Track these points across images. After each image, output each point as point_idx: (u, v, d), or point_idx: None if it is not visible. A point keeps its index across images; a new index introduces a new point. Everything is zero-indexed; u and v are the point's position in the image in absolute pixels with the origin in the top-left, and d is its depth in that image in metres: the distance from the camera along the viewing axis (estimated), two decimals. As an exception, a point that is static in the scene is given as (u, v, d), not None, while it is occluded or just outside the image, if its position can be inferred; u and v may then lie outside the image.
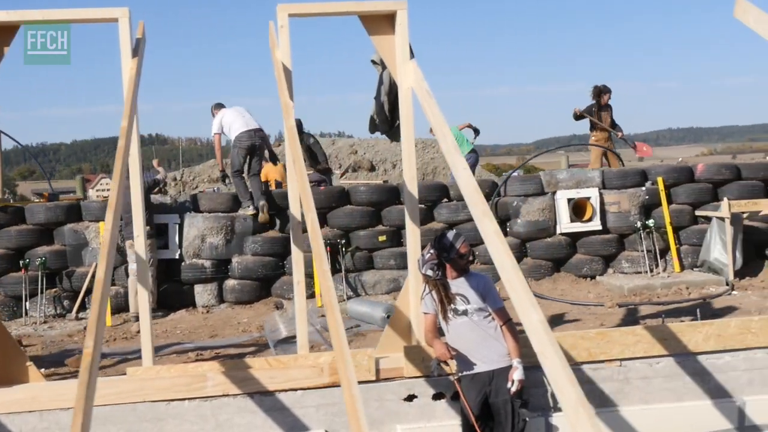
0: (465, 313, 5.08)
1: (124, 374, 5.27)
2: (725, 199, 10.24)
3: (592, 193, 10.47)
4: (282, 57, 5.24)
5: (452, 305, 5.11)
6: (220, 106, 10.65)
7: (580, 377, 5.55)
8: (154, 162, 10.67)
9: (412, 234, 5.61)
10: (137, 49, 5.26)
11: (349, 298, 9.86)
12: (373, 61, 5.86)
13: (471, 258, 5.26)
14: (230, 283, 9.80)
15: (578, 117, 13.02)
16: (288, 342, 7.76)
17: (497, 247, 3.79)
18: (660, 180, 10.64)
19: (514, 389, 4.91)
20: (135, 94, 4.77)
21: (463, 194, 4.43)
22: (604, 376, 5.62)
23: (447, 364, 5.16)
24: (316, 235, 3.88)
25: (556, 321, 8.53)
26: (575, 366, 5.60)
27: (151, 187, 9.71)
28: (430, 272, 5.11)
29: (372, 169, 17.76)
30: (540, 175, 10.75)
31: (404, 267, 9.93)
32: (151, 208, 9.55)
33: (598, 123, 12.90)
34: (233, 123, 10.21)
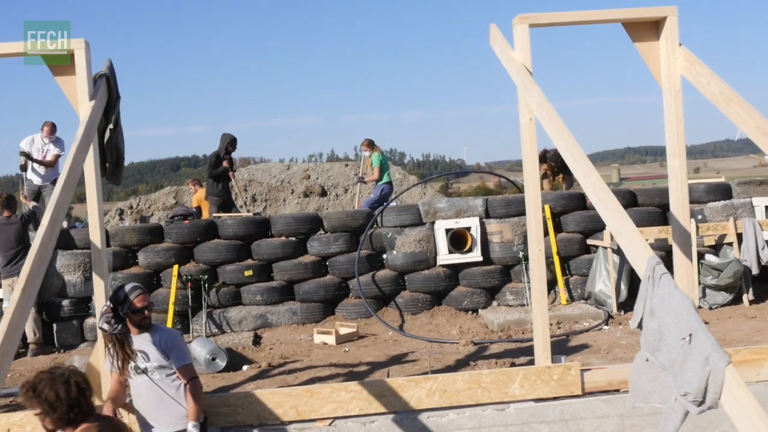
0: (145, 371, 4.76)
1: None
2: (606, 228, 9.68)
3: (473, 223, 10.01)
4: None
5: (133, 362, 4.79)
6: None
7: (285, 438, 5.19)
8: (21, 197, 10.61)
9: (98, 283, 5.32)
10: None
11: (213, 335, 9.60)
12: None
13: (149, 313, 4.91)
14: (90, 321, 9.63)
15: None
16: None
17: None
18: (547, 208, 10.12)
19: (185, 454, 4.58)
20: None
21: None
22: (311, 437, 5.23)
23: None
24: None
25: (395, 360, 8.12)
26: (281, 426, 5.23)
27: (27, 220, 9.64)
28: (105, 326, 4.80)
29: (323, 194, 17.51)
30: (418, 205, 10.33)
31: (272, 302, 9.73)
32: (28, 243, 9.48)
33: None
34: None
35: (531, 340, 8.55)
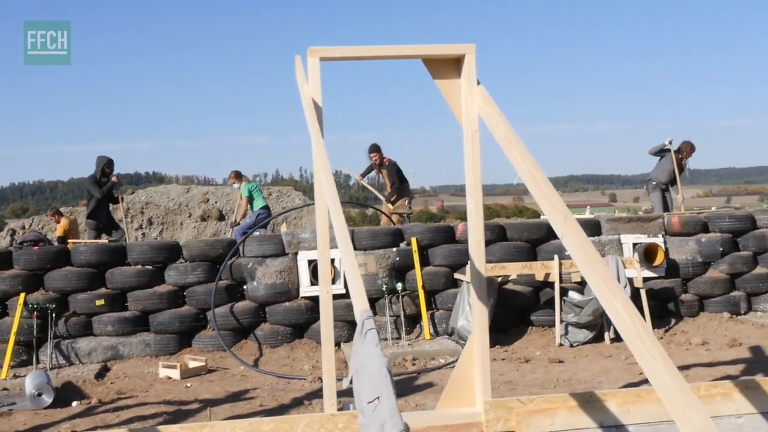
0: None
1: None
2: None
3: (337, 254, 9.75)
4: None
5: None
6: None
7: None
8: None
9: None
10: None
11: (60, 367, 9.17)
12: None
13: None
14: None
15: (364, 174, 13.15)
16: None
17: None
18: (414, 240, 9.97)
19: None
20: None
21: None
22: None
23: None
24: None
25: (233, 397, 7.82)
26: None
27: None
28: None
29: (221, 218, 17.16)
30: (281, 235, 10.08)
31: (125, 333, 9.35)
32: None
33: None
34: None
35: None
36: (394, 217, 12.65)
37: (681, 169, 13.08)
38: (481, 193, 5.33)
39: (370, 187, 13.46)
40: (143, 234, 16.95)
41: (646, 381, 7.78)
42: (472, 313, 5.52)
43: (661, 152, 13.10)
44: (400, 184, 13.02)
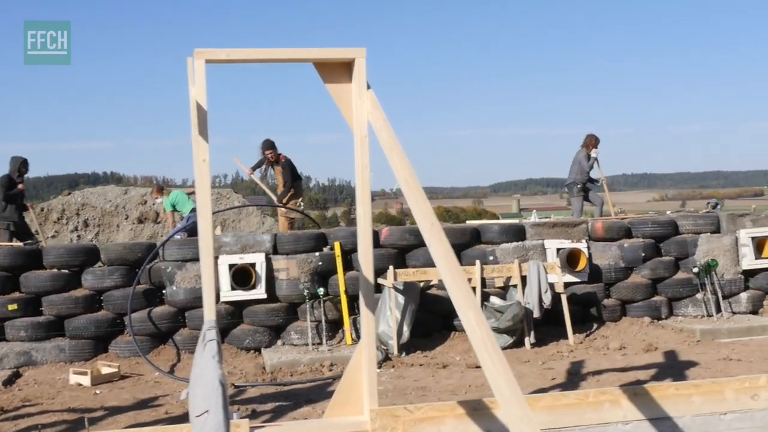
0: None
1: None
2: (390, 267, 9.52)
3: (258, 259, 9.67)
4: None
5: None
6: None
7: None
8: None
9: None
10: None
11: (-32, 373, 8.92)
12: None
13: None
14: None
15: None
16: None
17: None
18: (337, 245, 9.90)
19: None
20: None
21: None
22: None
23: None
24: None
25: (140, 404, 7.66)
26: None
27: None
28: None
29: (158, 221, 16.94)
30: (202, 239, 9.93)
31: (38, 338, 9.14)
32: None
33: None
34: None
35: (295, 383, 8.32)
36: (287, 220, 12.45)
37: (590, 161, 13.29)
38: (370, 200, 5.28)
39: (261, 185, 13.09)
40: (78, 236, 16.66)
41: (557, 386, 7.84)
42: (361, 320, 5.46)
43: (592, 166, 13.36)
44: (292, 183, 12.60)
